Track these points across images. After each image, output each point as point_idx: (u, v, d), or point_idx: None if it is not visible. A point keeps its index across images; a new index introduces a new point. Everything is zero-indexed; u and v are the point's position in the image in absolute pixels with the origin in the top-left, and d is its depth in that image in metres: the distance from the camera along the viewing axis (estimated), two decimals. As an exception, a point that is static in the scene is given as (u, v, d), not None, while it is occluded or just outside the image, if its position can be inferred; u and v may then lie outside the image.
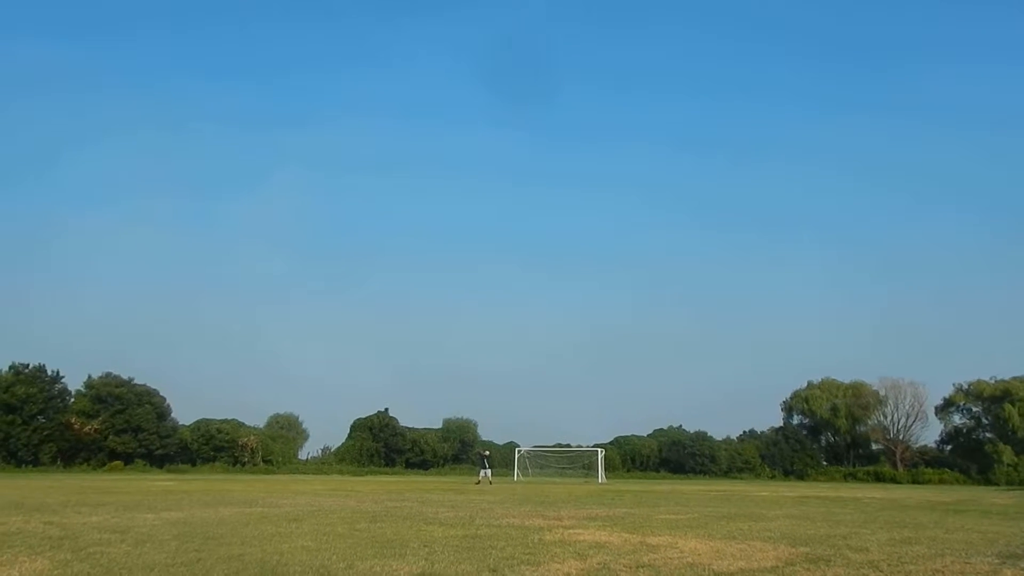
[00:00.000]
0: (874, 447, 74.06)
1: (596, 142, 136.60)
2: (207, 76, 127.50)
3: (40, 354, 72.12)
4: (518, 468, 51.36)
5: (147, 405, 57.31)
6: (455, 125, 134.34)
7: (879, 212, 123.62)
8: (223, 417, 63.12)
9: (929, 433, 72.39)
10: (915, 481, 60.66)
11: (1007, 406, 64.37)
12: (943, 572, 7.27)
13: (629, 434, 74.81)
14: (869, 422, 72.93)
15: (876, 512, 16.84)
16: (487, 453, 39.81)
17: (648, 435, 75.52)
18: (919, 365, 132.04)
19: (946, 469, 64.56)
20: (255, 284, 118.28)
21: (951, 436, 71.17)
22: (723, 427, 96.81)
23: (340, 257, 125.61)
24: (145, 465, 55.21)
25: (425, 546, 8.57)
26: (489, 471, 36.99)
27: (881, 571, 7.24)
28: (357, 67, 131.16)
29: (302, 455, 71.12)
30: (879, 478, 63.69)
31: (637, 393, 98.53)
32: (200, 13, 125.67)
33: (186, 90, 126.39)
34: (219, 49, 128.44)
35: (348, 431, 67.93)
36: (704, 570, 7.09)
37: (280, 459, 62.50)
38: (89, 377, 57.92)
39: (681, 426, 75.96)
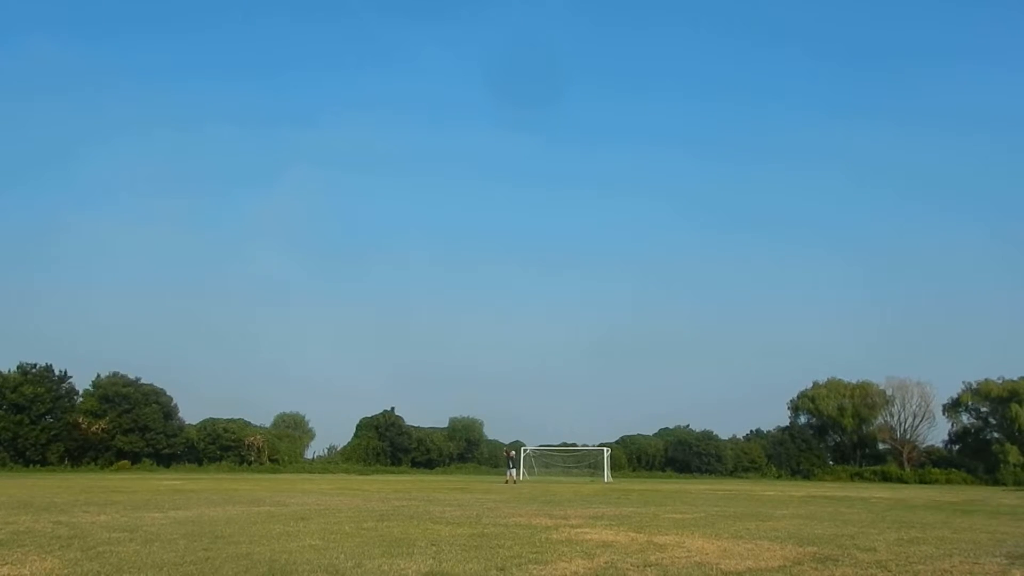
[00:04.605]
0: (881, 447, 73.68)
1: (602, 144, 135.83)
2: (217, 76, 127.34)
3: (47, 354, 72.63)
4: (524, 467, 51.37)
5: (154, 404, 57.42)
6: (463, 125, 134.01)
7: (887, 214, 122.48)
8: (229, 416, 63.09)
9: (936, 433, 72.03)
10: (922, 481, 60.40)
11: (1014, 406, 63.98)
12: (951, 572, 7.25)
13: (635, 433, 74.61)
14: (876, 422, 72.58)
15: (883, 512, 16.80)
16: (513, 454, 43.88)
17: (654, 434, 75.32)
18: (926, 365, 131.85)
19: (953, 469, 64.22)
20: (262, 283, 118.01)
21: (958, 436, 70.77)
22: (729, 427, 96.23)
23: (347, 256, 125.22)
24: (152, 464, 55.32)
25: (432, 545, 8.59)
26: (513, 470, 41.01)
27: (889, 571, 7.23)
28: (367, 67, 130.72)
29: (308, 454, 71.02)
30: (886, 478, 63.41)
31: (643, 392, 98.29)
32: (210, 13, 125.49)
33: (196, 90, 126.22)
34: (229, 49, 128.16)
35: (354, 430, 67.91)
36: (712, 569, 7.09)
37: (286, 458, 62.53)
38: (97, 376, 58.02)
39: (687, 425, 75.70)
